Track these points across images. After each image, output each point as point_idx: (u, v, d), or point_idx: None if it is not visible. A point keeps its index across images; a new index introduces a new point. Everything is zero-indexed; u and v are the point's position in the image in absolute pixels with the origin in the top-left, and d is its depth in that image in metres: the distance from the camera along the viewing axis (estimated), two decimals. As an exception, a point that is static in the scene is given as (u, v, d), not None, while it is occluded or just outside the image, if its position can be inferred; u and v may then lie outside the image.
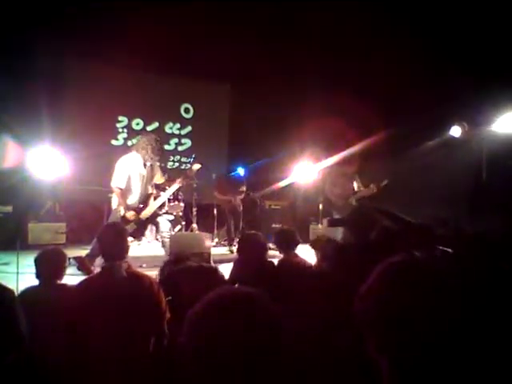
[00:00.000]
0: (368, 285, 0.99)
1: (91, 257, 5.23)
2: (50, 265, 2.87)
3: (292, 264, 3.67)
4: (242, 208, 8.68)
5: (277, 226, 9.58)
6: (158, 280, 3.10)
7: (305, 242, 8.63)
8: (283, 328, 0.96)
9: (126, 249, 2.83)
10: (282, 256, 3.80)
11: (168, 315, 2.71)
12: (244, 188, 8.86)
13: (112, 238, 2.81)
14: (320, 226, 9.27)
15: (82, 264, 3.30)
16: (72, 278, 3.47)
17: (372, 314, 0.96)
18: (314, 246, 4.18)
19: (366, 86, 8.87)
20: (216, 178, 8.79)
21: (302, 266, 3.74)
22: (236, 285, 3.10)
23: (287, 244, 3.78)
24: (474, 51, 8.20)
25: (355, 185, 7.45)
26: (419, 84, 8.72)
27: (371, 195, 7.34)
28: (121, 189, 5.62)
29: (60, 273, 2.91)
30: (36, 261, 2.88)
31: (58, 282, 2.91)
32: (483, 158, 8.99)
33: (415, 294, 0.92)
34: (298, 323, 2.37)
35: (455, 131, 9.12)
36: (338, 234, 7.14)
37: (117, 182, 5.61)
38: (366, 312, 0.97)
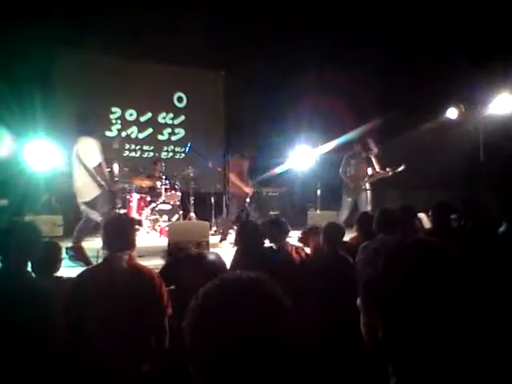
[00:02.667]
0: (377, 269, 0.95)
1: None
2: (44, 258, 2.81)
3: (290, 251, 3.65)
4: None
5: (275, 212, 9.56)
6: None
7: (303, 227, 8.62)
8: (289, 312, 0.93)
9: (129, 241, 2.72)
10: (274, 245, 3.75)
11: (170, 311, 2.65)
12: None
13: (115, 229, 2.75)
14: (318, 211, 9.25)
15: (80, 253, 3.24)
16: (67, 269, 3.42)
17: (382, 299, 0.92)
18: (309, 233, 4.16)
19: (362, 69, 8.80)
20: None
21: (301, 252, 3.73)
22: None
23: (279, 233, 3.73)
24: (470, 32, 8.13)
25: (369, 169, 7.26)
26: (415, 66, 8.67)
27: (384, 178, 7.21)
28: None
29: (55, 265, 2.86)
30: (31, 254, 2.82)
31: (54, 274, 2.86)
32: (480, 140, 8.96)
33: (427, 278, 0.89)
34: (302, 308, 2.34)
35: (452, 113, 9.08)
36: (343, 216, 7.06)
37: None
38: (376, 297, 0.94)
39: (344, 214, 7.14)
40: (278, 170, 9.33)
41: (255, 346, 0.86)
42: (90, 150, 5.02)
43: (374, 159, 7.34)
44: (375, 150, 7.34)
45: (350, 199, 7.25)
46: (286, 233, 3.79)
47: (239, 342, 0.86)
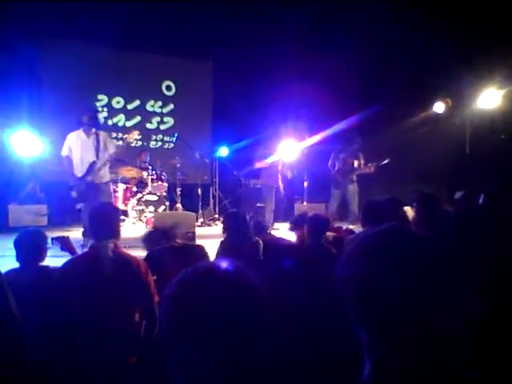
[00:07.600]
0: (350, 251, 0.95)
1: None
2: (30, 247, 2.79)
3: (274, 241, 3.66)
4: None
5: (261, 205, 9.54)
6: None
7: (289, 220, 8.61)
8: (267, 301, 0.93)
9: (114, 229, 2.72)
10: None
11: (157, 299, 2.65)
12: None
13: (100, 217, 2.74)
14: (305, 203, 9.26)
15: (65, 244, 3.24)
16: (54, 259, 3.40)
17: (351, 281, 0.92)
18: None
19: (350, 62, 8.79)
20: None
21: (284, 242, 3.75)
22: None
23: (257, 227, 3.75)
24: (457, 27, 8.16)
25: (355, 162, 7.55)
26: (403, 60, 8.68)
27: (370, 173, 7.48)
28: None
29: (41, 254, 2.84)
30: (15, 243, 2.79)
31: (40, 263, 2.84)
32: (467, 134, 9.03)
33: (397, 262, 0.88)
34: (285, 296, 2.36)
35: (439, 107, 9.13)
36: (333, 208, 7.23)
37: None
38: (346, 279, 0.93)
39: (333, 206, 7.34)
40: (264, 161, 9.29)
41: (228, 335, 0.86)
42: (110, 140, 6.07)
43: (359, 153, 7.63)
44: (358, 143, 7.62)
45: (338, 191, 7.51)
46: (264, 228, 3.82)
47: (212, 331, 0.85)
